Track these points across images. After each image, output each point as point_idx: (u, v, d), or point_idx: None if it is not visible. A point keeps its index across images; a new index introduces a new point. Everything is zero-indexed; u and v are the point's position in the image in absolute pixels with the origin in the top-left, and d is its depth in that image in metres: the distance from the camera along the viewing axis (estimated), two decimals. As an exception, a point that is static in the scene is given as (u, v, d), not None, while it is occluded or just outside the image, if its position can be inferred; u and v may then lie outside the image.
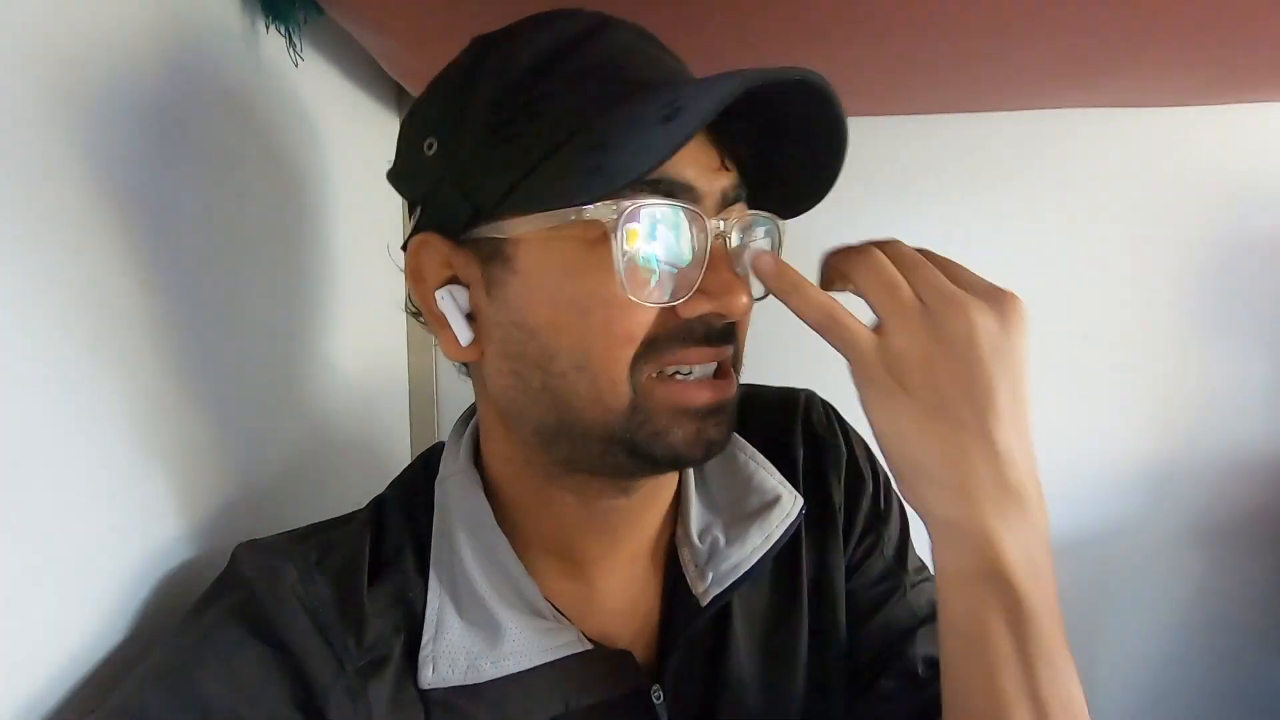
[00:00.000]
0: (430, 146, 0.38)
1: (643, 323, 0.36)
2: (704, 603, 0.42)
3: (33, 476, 0.36)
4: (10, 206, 0.35)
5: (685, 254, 0.36)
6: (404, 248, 0.41)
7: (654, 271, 0.35)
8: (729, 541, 0.44)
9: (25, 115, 0.36)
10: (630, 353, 0.36)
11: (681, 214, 0.36)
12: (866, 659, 0.48)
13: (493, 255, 0.37)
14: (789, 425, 0.51)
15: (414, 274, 0.40)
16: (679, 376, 0.37)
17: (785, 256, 0.38)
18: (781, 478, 0.47)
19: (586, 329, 0.36)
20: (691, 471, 0.47)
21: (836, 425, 0.52)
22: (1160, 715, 0.82)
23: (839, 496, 0.49)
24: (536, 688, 0.38)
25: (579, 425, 0.37)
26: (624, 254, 0.34)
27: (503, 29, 0.39)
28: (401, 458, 0.85)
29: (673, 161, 0.34)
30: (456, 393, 0.88)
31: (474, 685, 0.37)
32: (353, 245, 0.70)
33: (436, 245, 0.39)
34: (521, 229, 0.36)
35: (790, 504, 0.45)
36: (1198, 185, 0.79)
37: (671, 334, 0.36)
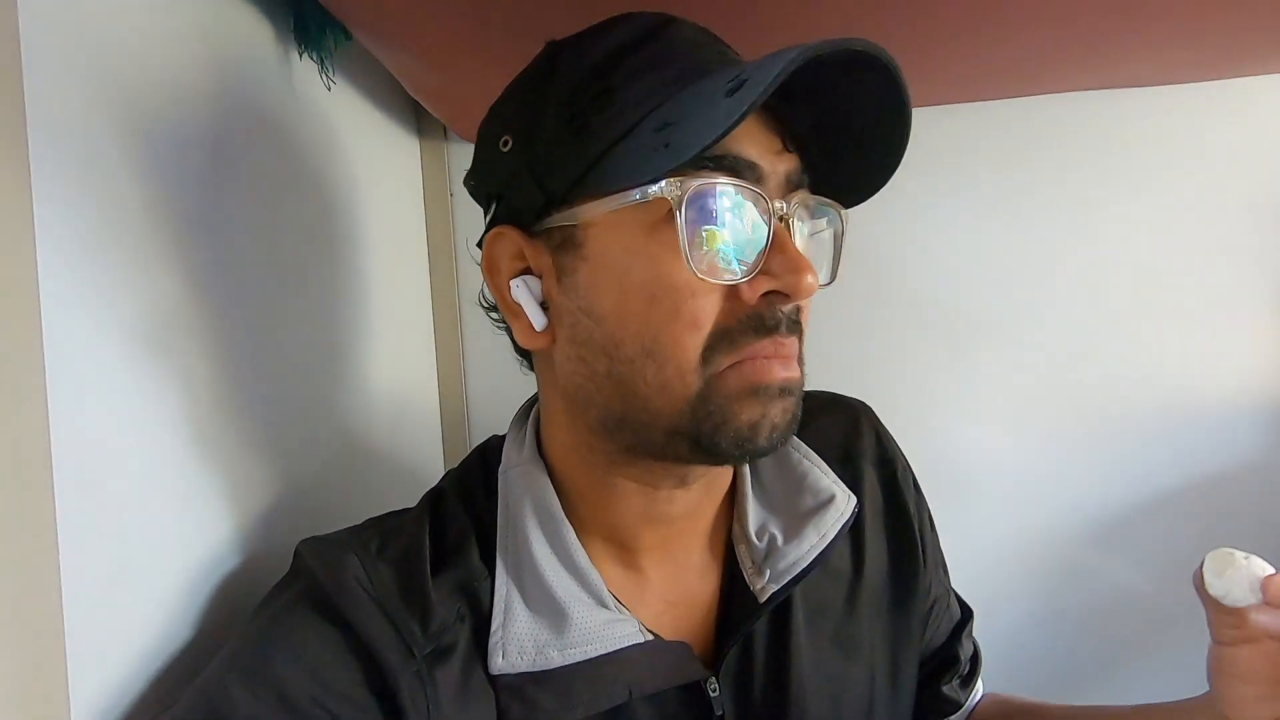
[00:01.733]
0: (506, 144, 0.40)
1: (710, 310, 0.36)
2: (762, 599, 0.43)
3: (110, 481, 0.38)
4: (87, 231, 0.37)
5: (749, 233, 0.36)
6: (479, 244, 0.43)
7: (718, 249, 0.36)
8: (786, 540, 0.44)
9: (95, 144, 0.38)
10: (699, 340, 0.36)
11: (746, 193, 0.36)
12: (923, 658, 0.52)
13: (564, 243, 0.38)
14: (855, 431, 0.52)
15: (489, 266, 0.42)
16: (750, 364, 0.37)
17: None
18: (835, 477, 0.48)
19: (653, 314, 0.36)
20: (747, 468, 0.47)
21: (891, 440, 0.54)
22: None
23: (913, 504, 0.51)
24: (601, 676, 0.39)
25: (644, 413, 0.37)
26: (689, 231, 0.35)
27: (575, 34, 0.41)
28: (434, 469, 0.86)
29: (737, 141, 0.35)
30: (485, 408, 0.90)
31: (542, 672, 0.38)
32: (382, 263, 0.73)
33: (511, 237, 0.40)
34: (591, 214, 0.37)
35: (845, 504, 0.46)
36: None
37: (743, 323, 0.36)
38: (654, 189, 0.35)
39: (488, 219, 0.43)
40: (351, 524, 0.44)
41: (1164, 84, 0.79)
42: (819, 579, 0.46)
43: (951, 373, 0.85)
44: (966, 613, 0.56)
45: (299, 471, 0.56)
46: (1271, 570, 0.33)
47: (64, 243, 0.36)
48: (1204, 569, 0.35)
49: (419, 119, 0.86)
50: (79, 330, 0.37)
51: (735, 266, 0.36)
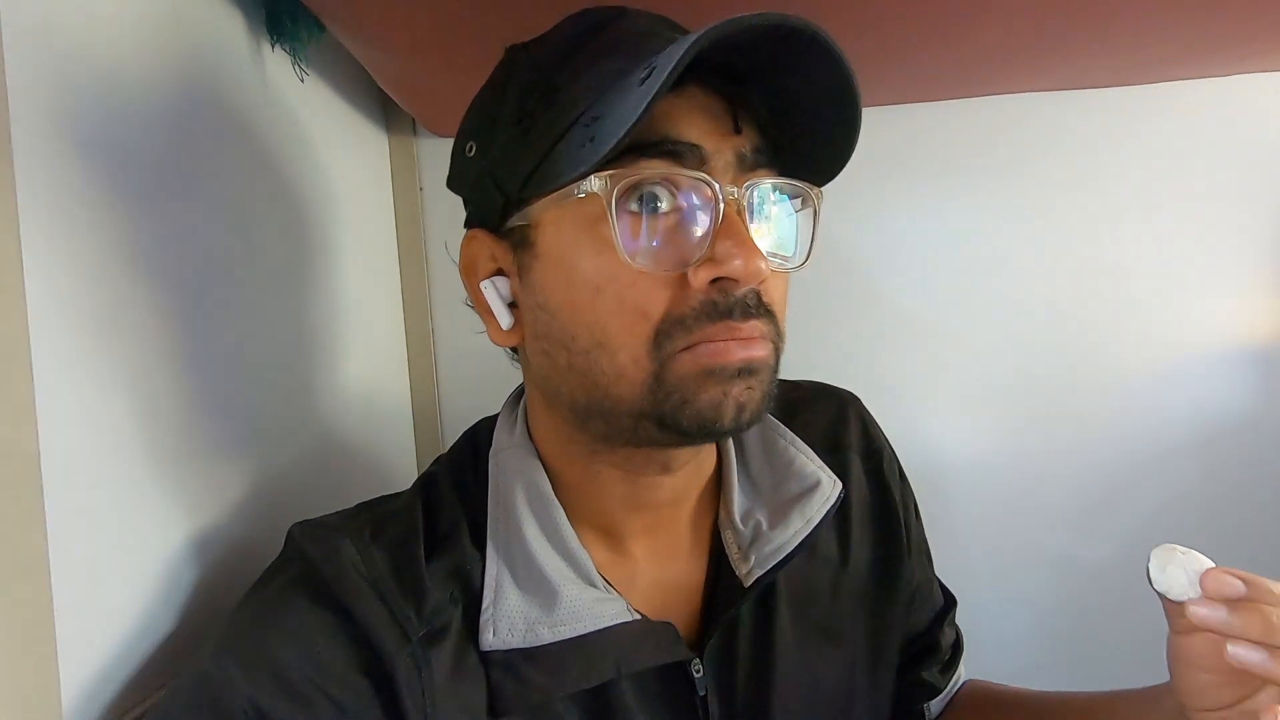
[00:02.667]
0: (470, 150, 0.41)
1: (657, 298, 0.36)
2: (747, 584, 0.44)
3: (93, 474, 0.38)
4: (51, 224, 0.37)
5: (691, 219, 0.36)
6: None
7: (655, 239, 0.36)
8: (771, 525, 0.45)
9: (62, 132, 0.37)
10: (648, 329, 0.36)
11: (684, 179, 0.36)
12: (904, 644, 0.53)
13: (521, 242, 0.39)
14: (843, 421, 0.53)
15: (466, 268, 0.42)
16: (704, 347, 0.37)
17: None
18: (821, 463, 0.48)
19: (599, 306, 0.36)
20: (733, 454, 0.48)
21: (876, 425, 0.55)
22: None
23: (898, 492, 0.52)
24: (590, 653, 0.39)
25: (607, 400, 0.38)
26: (622, 223, 0.35)
27: (520, 43, 0.41)
28: (407, 465, 0.86)
29: (675, 124, 0.35)
30: (457, 404, 0.90)
31: (532, 648, 0.39)
32: (352, 259, 0.72)
33: (482, 239, 0.41)
34: (540, 212, 0.38)
35: (830, 489, 0.47)
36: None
37: (695, 311, 0.36)
38: (585, 185, 0.35)
39: (465, 222, 0.44)
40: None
41: (1117, 85, 0.84)
42: (804, 565, 0.46)
43: (918, 364, 0.88)
44: (949, 601, 0.57)
45: (272, 468, 0.56)
46: (1211, 564, 0.35)
47: (43, 238, 0.36)
48: (1149, 564, 0.36)
49: (387, 114, 0.85)
50: (59, 323, 0.36)
51: (677, 253, 0.36)
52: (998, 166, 0.87)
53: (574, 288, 0.37)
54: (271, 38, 0.58)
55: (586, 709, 0.40)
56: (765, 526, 0.45)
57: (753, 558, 0.44)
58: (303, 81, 0.62)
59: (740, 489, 0.47)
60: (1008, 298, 0.88)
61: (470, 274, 0.42)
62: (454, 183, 0.45)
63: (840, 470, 0.49)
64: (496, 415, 0.47)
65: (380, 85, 0.71)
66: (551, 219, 0.38)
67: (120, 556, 0.39)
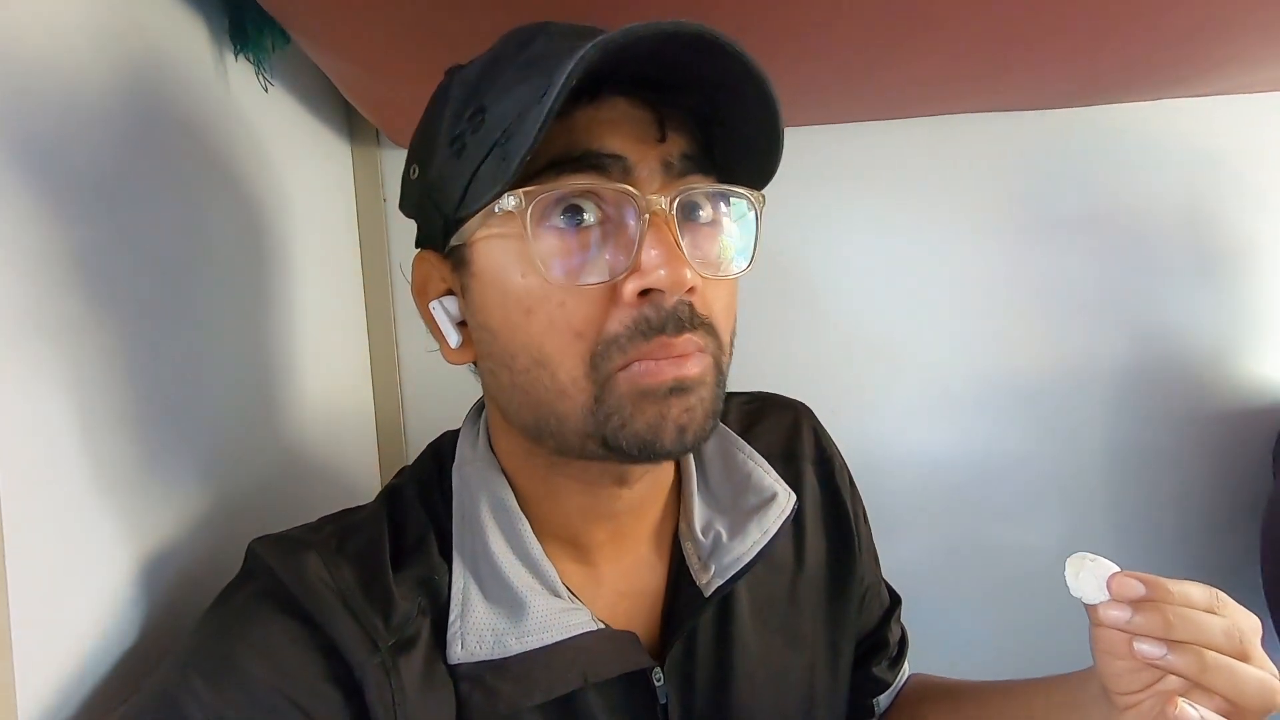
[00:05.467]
0: (414, 172, 0.42)
1: (589, 316, 0.35)
2: (707, 593, 0.44)
3: (47, 485, 0.37)
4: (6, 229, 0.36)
5: (612, 231, 0.36)
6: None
7: (582, 254, 0.35)
8: (730, 536, 0.46)
9: (18, 137, 0.36)
10: (584, 348, 0.36)
11: (607, 191, 0.35)
12: (856, 642, 0.55)
13: (459, 263, 0.40)
14: (796, 432, 0.54)
15: (419, 289, 0.43)
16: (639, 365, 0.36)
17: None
18: (777, 476, 0.49)
19: (533, 326, 0.36)
20: (693, 467, 0.48)
21: (827, 435, 0.57)
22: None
23: (848, 499, 0.54)
24: (557, 663, 0.39)
25: (553, 419, 0.37)
26: (540, 240, 0.35)
27: (455, 65, 0.42)
28: (370, 479, 0.85)
29: (599, 135, 0.35)
30: (421, 417, 0.90)
31: (500, 660, 0.39)
32: (315, 271, 0.72)
33: (430, 260, 0.42)
34: (471, 232, 0.38)
35: (785, 501, 0.48)
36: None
37: (629, 328, 0.35)
38: (503, 203, 0.35)
39: (415, 242, 0.44)
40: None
41: (1059, 107, 0.89)
42: (762, 573, 0.47)
43: (869, 375, 0.92)
44: (895, 599, 0.60)
45: (232, 483, 0.55)
46: (1116, 569, 0.37)
47: None
48: (1065, 573, 0.39)
49: (351, 125, 0.85)
50: (8, 336, 0.35)
51: (603, 267, 0.35)
52: (946, 182, 0.91)
53: (508, 308, 0.37)
54: (235, 47, 0.58)
55: (552, 719, 0.40)
56: (725, 537, 0.46)
57: (712, 568, 0.45)
58: (267, 91, 0.61)
59: (700, 500, 0.48)
60: (954, 309, 0.92)
61: (421, 294, 0.43)
62: (403, 204, 0.45)
63: (794, 479, 0.51)
64: (459, 429, 0.48)
65: (345, 96, 0.71)
66: (481, 238, 0.38)
67: (75, 574, 0.38)
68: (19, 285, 0.36)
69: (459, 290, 0.41)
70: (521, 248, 0.36)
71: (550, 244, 0.35)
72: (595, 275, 0.35)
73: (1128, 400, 0.93)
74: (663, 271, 0.34)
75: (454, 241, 0.39)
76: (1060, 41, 0.66)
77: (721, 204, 0.39)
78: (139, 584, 0.43)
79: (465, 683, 0.38)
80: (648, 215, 0.35)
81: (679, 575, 0.46)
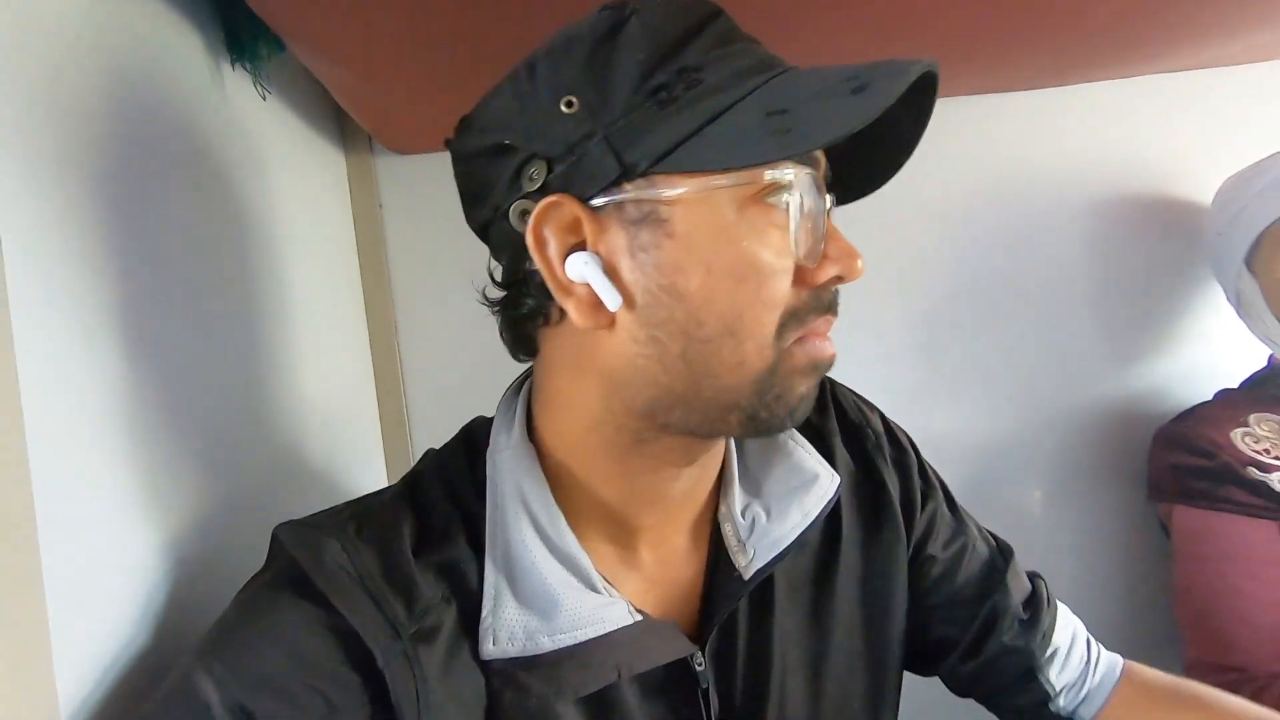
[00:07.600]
0: (570, 105, 0.37)
1: (786, 290, 0.38)
2: (746, 576, 0.44)
3: (72, 486, 0.38)
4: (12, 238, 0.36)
5: (817, 220, 0.38)
6: (505, 214, 0.39)
7: (809, 234, 0.38)
8: (770, 518, 0.45)
9: (15, 149, 0.37)
10: (775, 318, 0.37)
11: (820, 185, 0.39)
12: (964, 621, 0.52)
13: (643, 219, 0.37)
14: (822, 405, 0.53)
15: (538, 240, 0.38)
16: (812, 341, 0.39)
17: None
18: (820, 457, 0.48)
19: (739, 294, 0.37)
20: (734, 449, 0.48)
21: (861, 405, 0.55)
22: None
23: (891, 476, 0.52)
24: (591, 658, 0.39)
25: (710, 390, 0.38)
26: (797, 216, 0.37)
27: (627, 5, 0.38)
28: (377, 480, 0.86)
29: None
30: (426, 416, 0.91)
31: (532, 657, 0.38)
32: (314, 276, 0.72)
33: (569, 208, 0.37)
34: (679, 191, 0.36)
35: (828, 483, 0.47)
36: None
37: (808, 303, 0.38)
38: (771, 173, 0.37)
39: (534, 183, 0.38)
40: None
41: (1033, 88, 0.91)
42: (798, 556, 0.47)
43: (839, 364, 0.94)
44: (1003, 556, 0.54)
45: (242, 484, 0.55)
46: None
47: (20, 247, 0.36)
48: None
49: (344, 132, 0.86)
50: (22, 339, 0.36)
51: (813, 250, 0.39)
52: (913, 167, 0.92)
53: (714, 273, 0.37)
54: (231, 56, 0.58)
55: (587, 707, 0.40)
56: (764, 519, 0.46)
57: (752, 551, 0.45)
58: (264, 100, 0.62)
59: (740, 484, 0.48)
60: (916, 296, 0.94)
61: (541, 245, 0.38)
62: (531, 137, 0.38)
63: (827, 456, 0.50)
64: (493, 415, 0.46)
65: (340, 103, 0.72)
66: (696, 200, 0.36)
67: (100, 575, 0.39)
68: (31, 291, 0.37)
69: (624, 248, 0.37)
70: (746, 215, 0.37)
71: (800, 223, 0.38)
72: (810, 256, 0.38)
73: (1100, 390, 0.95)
74: (848, 261, 0.39)
75: (637, 195, 0.37)
76: (1040, 24, 0.67)
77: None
78: (157, 583, 0.44)
79: (497, 678, 0.39)
80: (829, 210, 0.39)
81: (717, 559, 0.46)
